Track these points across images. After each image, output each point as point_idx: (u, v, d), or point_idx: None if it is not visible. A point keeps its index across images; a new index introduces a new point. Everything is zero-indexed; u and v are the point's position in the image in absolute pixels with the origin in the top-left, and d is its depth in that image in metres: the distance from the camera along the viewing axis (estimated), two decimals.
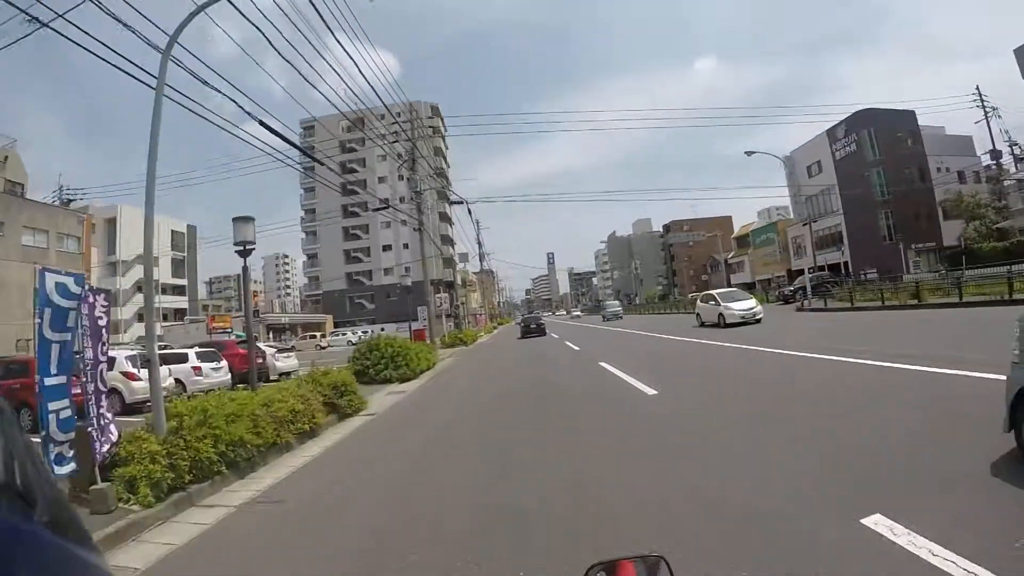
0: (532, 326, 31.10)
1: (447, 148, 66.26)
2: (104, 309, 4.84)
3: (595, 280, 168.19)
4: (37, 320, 4.39)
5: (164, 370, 10.41)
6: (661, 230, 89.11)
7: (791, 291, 30.08)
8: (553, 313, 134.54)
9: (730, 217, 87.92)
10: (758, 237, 55.97)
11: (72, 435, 4.52)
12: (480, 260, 49.66)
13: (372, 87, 51.82)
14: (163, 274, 56.19)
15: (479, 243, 50.91)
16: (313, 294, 60.97)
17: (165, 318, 51.16)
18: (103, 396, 4.78)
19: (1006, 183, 37.29)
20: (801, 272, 47.65)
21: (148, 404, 6.63)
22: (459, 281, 64.76)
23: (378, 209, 36.17)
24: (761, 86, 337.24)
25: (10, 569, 0.45)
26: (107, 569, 0.66)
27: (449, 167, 61.64)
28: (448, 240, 58.28)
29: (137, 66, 6.13)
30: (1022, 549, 2.28)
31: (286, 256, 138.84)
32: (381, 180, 55.12)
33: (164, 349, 14.72)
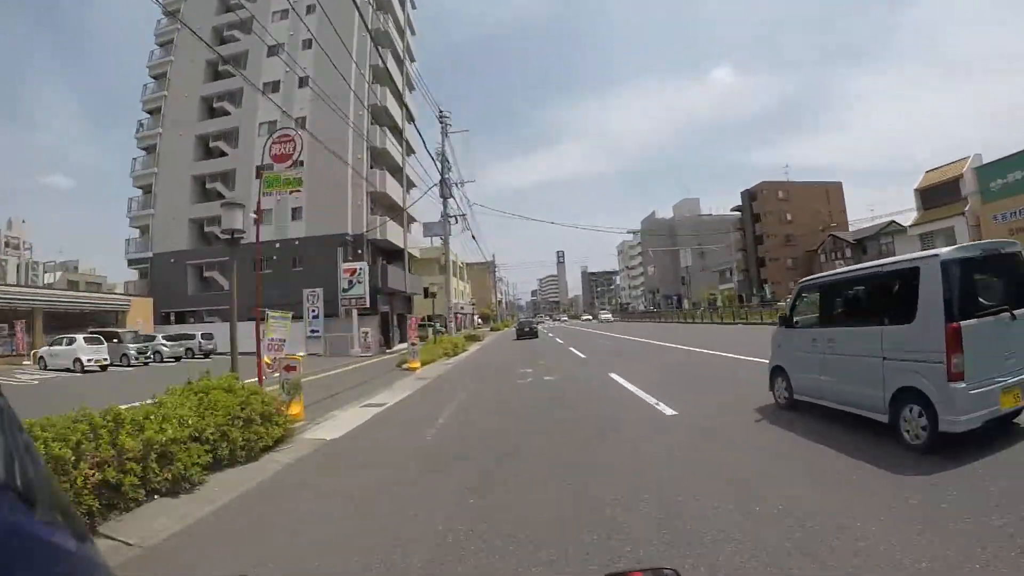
0: (526, 329, 33.55)
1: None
2: None
3: (617, 279, 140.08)
4: None
5: None
6: (741, 201, 61.00)
7: None
8: (570, 318, 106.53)
9: (839, 184, 60.51)
10: (1000, 177, 28.13)
11: None
12: (441, 187, 22.29)
13: None
14: None
15: (442, 158, 23.38)
16: (139, 259, 33.69)
17: None
18: None
19: None
20: None
21: None
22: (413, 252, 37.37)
23: None
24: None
25: (10, 569, 0.44)
26: (106, 566, 0.65)
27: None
28: (384, 159, 30.75)
29: None
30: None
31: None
32: (272, 52, 27.84)
33: None
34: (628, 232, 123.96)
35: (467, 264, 78.25)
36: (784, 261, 54.65)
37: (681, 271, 77.29)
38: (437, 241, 57.51)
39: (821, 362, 5.69)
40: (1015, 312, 4.40)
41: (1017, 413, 4.66)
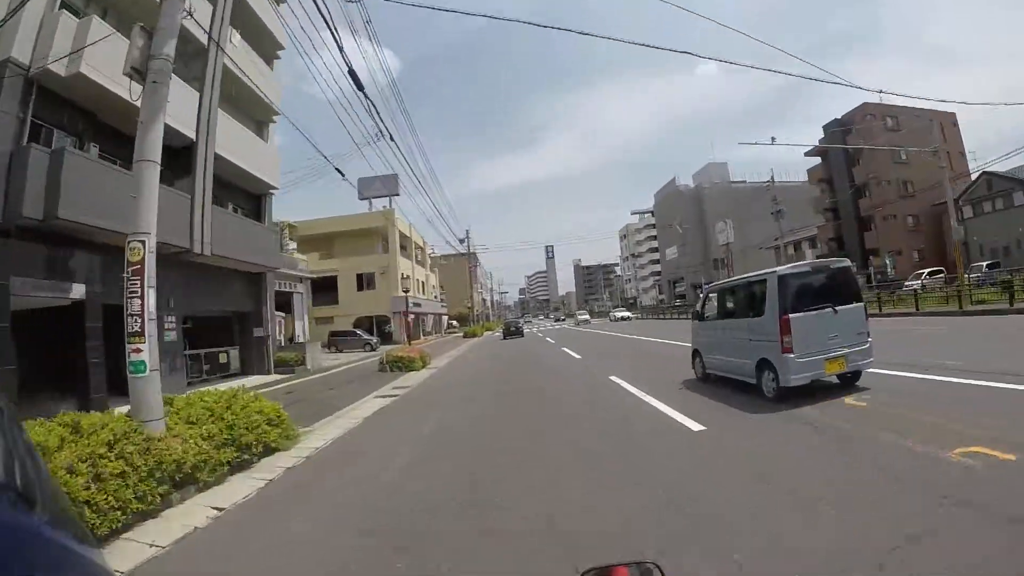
0: (512, 328, 39.00)
1: None
2: None
3: (619, 270, 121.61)
4: None
5: None
6: (821, 138, 42.16)
7: None
8: (591, 315, 66.83)
9: (953, 114, 42.14)
10: None
11: None
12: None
13: None
14: None
15: None
16: None
17: None
18: None
19: None
20: None
21: None
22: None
23: None
24: None
25: (10, 568, 0.45)
26: (106, 565, 0.66)
27: None
28: None
29: None
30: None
31: None
32: None
33: None
34: (633, 213, 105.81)
35: (436, 254, 58.21)
36: (902, 219, 36.31)
37: (718, 251, 58.39)
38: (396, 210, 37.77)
39: (719, 344, 8.65)
40: (837, 308, 6.94)
41: (856, 376, 7.34)
